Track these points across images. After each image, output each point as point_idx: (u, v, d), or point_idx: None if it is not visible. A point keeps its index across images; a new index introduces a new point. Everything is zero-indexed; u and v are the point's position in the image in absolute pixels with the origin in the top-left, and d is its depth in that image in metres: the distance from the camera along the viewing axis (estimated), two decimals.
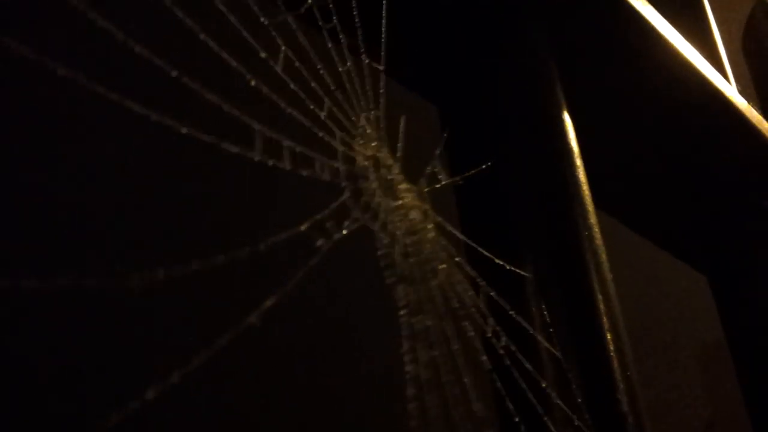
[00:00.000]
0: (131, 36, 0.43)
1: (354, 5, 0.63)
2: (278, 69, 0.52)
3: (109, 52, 0.45)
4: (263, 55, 0.52)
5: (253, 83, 0.50)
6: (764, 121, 1.01)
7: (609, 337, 0.72)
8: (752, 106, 1.02)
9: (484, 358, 0.55)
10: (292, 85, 0.52)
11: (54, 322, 0.56)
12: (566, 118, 0.82)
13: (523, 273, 0.70)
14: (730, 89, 0.98)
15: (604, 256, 0.76)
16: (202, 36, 0.48)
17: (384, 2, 0.69)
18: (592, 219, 0.77)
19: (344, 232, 0.48)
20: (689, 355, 1.83)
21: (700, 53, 0.97)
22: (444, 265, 0.57)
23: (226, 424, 0.70)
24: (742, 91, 1.04)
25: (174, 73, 0.45)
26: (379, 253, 0.52)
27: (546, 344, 0.66)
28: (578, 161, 0.80)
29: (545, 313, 0.70)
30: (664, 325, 1.64)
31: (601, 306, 0.72)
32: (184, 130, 0.44)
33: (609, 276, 0.74)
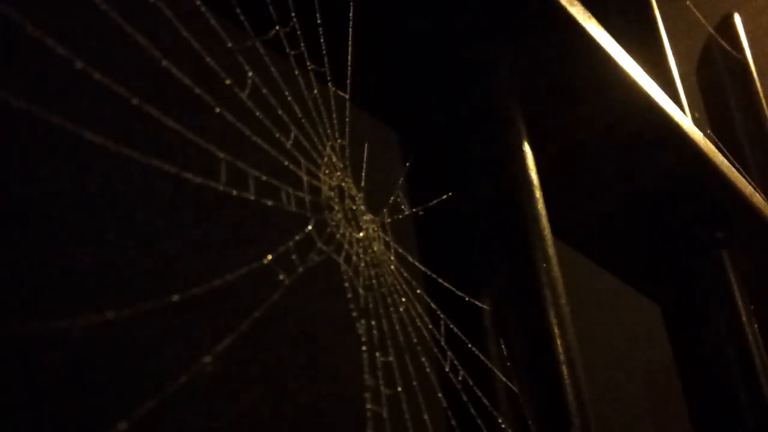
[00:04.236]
0: (90, 63, 0.42)
1: (320, 33, 0.62)
2: (244, 96, 0.50)
3: (66, 79, 0.44)
4: (228, 81, 0.51)
5: (218, 110, 0.49)
6: (719, 154, 1.03)
7: (565, 372, 0.72)
8: (706, 138, 1.04)
9: (440, 395, 0.54)
10: (258, 113, 0.51)
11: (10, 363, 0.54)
12: (527, 149, 0.82)
13: (481, 305, 0.70)
14: (686, 122, 1.00)
15: (561, 289, 0.76)
16: (164, 62, 0.47)
17: (350, 30, 0.69)
18: (551, 251, 0.78)
19: (308, 265, 0.47)
20: (634, 379, 1.86)
21: (657, 84, 0.99)
22: (405, 299, 0.56)
23: None
24: (696, 122, 1.06)
25: (135, 101, 0.44)
26: (345, 285, 0.51)
27: (503, 378, 0.66)
28: (538, 193, 0.80)
29: (503, 346, 0.69)
30: (610, 348, 1.66)
31: (558, 340, 0.73)
32: (144, 160, 0.43)
33: (566, 309, 0.75)
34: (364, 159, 0.62)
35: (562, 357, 0.72)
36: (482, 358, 0.67)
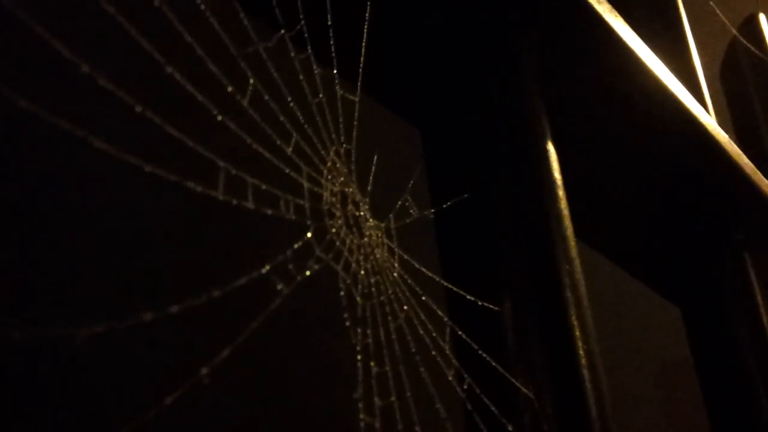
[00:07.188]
0: (94, 67, 0.42)
1: (331, 35, 0.62)
2: (245, 103, 0.51)
3: (70, 84, 0.44)
4: (230, 89, 0.51)
5: (219, 118, 0.49)
6: (742, 155, 1.01)
7: (587, 375, 0.71)
8: (730, 139, 1.02)
9: (438, 406, 0.54)
10: (259, 120, 0.51)
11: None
12: (550, 148, 0.81)
13: (494, 308, 0.69)
14: (710, 122, 0.98)
15: (583, 290, 0.75)
16: (169, 69, 0.47)
17: (365, 26, 0.68)
18: (573, 252, 0.76)
19: (306, 274, 0.47)
20: (648, 376, 1.84)
21: (683, 84, 0.97)
22: (407, 307, 0.56)
23: None
24: (720, 123, 1.04)
25: (138, 108, 0.44)
26: (341, 293, 0.51)
27: (516, 384, 0.66)
28: (561, 192, 0.79)
29: (522, 349, 0.69)
30: (626, 347, 1.65)
31: (580, 342, 0.71)
32: (147, 168, 0.43)
33: (588, 311, 0.74)
34: (373, 163, 0.62)
35: (583, 360, 0.71)
36: (494, 363, 0.66)
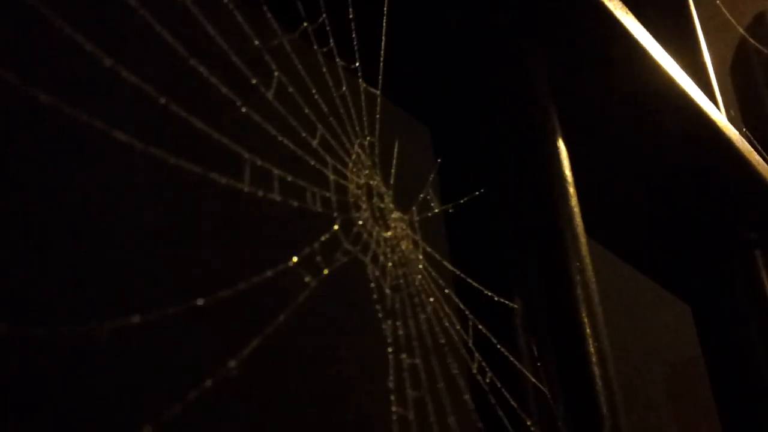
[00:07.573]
0: (118, 60, 0.42)
1: (352, 27, 0.62)
2: (270, 95, 0.50)
3: (94, 77, 0.44)
4: (254, 81, 0.50)
5: (243, 110, 0.49)
6: (754, 152, 1.01)
7: (597, 372, 0.71)
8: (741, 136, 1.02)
9: (467, 396, 0.54)
10: (284, 112, 0.50)
11: (30, 369, 0.54)
12: (561, 145, 0.81)
13: (511, 304, 0.69)
14: (722, 119, 0.98)
15: (594, 288, 0.75)
16: (192, 62, 0.46)
17: (383, 24, 0.68)
18: (584, 250, 0.76)
19: (334, 266, 0.47)
20: (658, 374, 1.84)
21: (694, 81, 0.97)
22: (433, 299, 0.55)
23: None
24: (731, 121, 1.04)
25: (162, 101, 0.44)
26: (371, 285, 0.50)
27: (532, 379, 0.65)
28: (572, 190, 0.79)
29: (533, 346, 0.69)
30: (636, 344, 1.65)
31: (590, 340, 0.71)
32: (171, 161, 0.43)
33: (599, 309, 0.73)
34: (394, 156, 0.61)
35: (594, 357, 0.71)
36: (511, 358, 0.66)
